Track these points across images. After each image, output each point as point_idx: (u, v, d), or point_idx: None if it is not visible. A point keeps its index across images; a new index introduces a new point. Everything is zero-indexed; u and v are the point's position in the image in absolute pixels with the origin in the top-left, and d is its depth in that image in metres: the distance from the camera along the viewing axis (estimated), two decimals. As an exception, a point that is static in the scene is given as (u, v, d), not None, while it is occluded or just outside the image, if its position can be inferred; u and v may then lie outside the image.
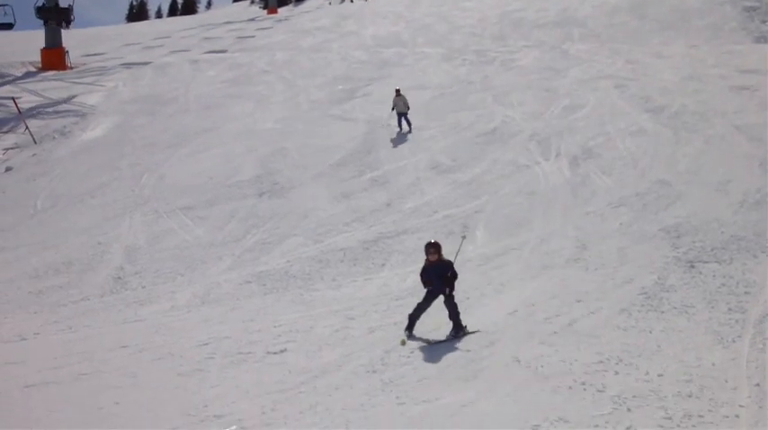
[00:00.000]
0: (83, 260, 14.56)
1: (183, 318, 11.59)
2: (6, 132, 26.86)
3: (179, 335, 10.70)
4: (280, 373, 9.13)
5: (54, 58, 37.50)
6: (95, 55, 41.35)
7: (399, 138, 21.75)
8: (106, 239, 15.59)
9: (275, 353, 9.79)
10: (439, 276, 9.95)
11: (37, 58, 38.06)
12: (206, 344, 10.22)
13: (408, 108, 22.58)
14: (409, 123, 22.48)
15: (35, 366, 10.02)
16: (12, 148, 25.05)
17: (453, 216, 15.48)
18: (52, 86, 32.48)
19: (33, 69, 37.10)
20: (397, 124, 22.62)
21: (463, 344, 9.55)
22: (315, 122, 24.63)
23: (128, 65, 37.27)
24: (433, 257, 10.02)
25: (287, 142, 22.28)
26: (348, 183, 18.39)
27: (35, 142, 25.05)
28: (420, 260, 13.28)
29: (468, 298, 11.19)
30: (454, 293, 9.98)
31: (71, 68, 37.11)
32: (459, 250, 10.43)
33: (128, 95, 30.52)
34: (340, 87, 29.77)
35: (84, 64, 38.20)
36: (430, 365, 8.91)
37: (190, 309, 11.99)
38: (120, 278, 13.62)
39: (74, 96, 30.56)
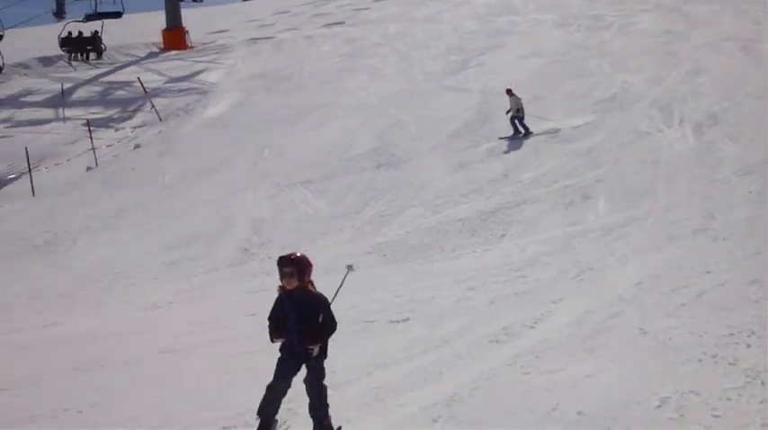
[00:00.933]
0: (211, 232, 15.19)
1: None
2: (134, 111, 28.11)
3: (305, 304, 11.01)
4: (403, 342, 9.30)
5: (175, 38, 38.77)
6: (215, 33, 42.44)
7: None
8: (232, 212, 16.19)
9: (398, 322, 9.98)
10: (299, 320, 6.24)
11: (158, 39, 39.40)
12: (331, 312, 10.49)
13: (522, 111, 19.75)
14: (525, 127, 19.72)
15: (170, 332, 10.58)
16: (139, 126, 26.24)
17: (573, 186, 15.27)
18: (174, 66, 33.65)
19: (156, 50, 38.48)
20: (512, 128, 19.72)
21: (586, 316, 9.43)
22: (429, 94, 24.65)
23: (246, 42, 38.11)
24: (291, 284, 6.22)
25: (402, 114, 22.40)
26: (464, 153, 18.38)
27: (160, 120, 26.12)
28: (540, 230, 13.29)
29: (590, 269, 11.07)
30: (325, 363, 6.39)
31: (191, 48, 38.28)
32: (341, 285, 6.85)
33: (247, 72, 31.30)
34: (453, 58, 29.63)
35: (204, 43, 39.32)
36: (553, 336, 8.87)
37: (314, 279, 12.30)
38: (246, 249, 14.15)
39: (195, 75, 31.59)
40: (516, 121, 19.84)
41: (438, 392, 7.71)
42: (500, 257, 12.32)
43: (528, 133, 19.46)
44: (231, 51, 35.98)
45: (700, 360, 7.80)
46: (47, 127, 28.05)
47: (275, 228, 15.10)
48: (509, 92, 20.14)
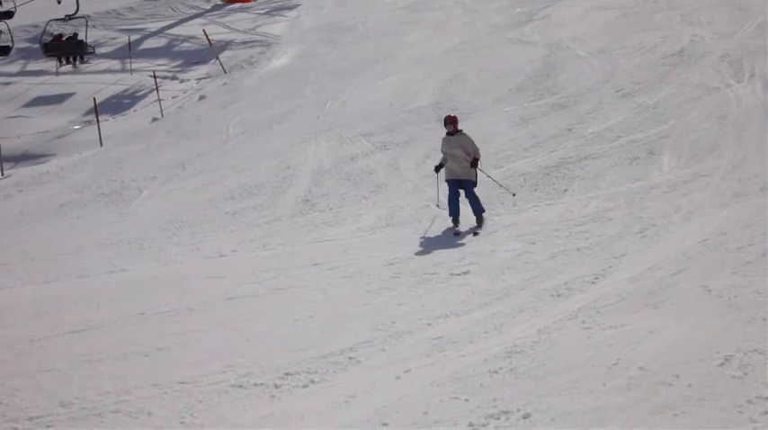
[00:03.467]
0: (273, 183, 15.38)
1: (369, 238, 12.07)
2: (198, 63, 28.37)
3: (366, 254, 11.18)
4: (464, 294, 9.37)
5: (239, -10, 38.76)
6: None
7: (579, 64, 21.00)
8: (294, 163, 16.34)
9: (459, 274, 10.04)
10: None
11: (223, -10, 39.49)
12: (392, 264, 10.64)
13: (474, 165, 12.04)
14: (475, 205, 12.03)
15: (235, 280, 10.83)
16: (204, 78, 26.51)
17: (638, 141, 15.00)
18: (239, 18, 33.73)
19: (220, 2, 38.56)
20: (443, 205, 12.35)
21: (649, 272, 9.35)
22: (492, 47, 24.31)
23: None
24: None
25: (465, 67, 22.17)
26: (527, 107, 18.16)
27: (225, 72, 26.34)
28: (603, 185, 13.14)
29: (654, 225, 10.93)
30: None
31: (255, 0, 38.29)
32: None
33: (309, 25, 31.27)
34: (518, 10, 29.10)
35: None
36: (616, 291, 8.83)
37: (375, 231, 12.46)
38: (308, 200, 14.31)
39: (259, 27, 31.67)
40: (457, 191, 12.09)
41: (498, 344, 7.77)
42: (562, 212, 12.23)
43: (478, 228, 11.89)
44: (295, 4, 35.92)
45: (765, 319, 7.69)
46: (113, 78, 28.54)
47: (336, 180, 15.22)
48: (449, 125, 12.24)
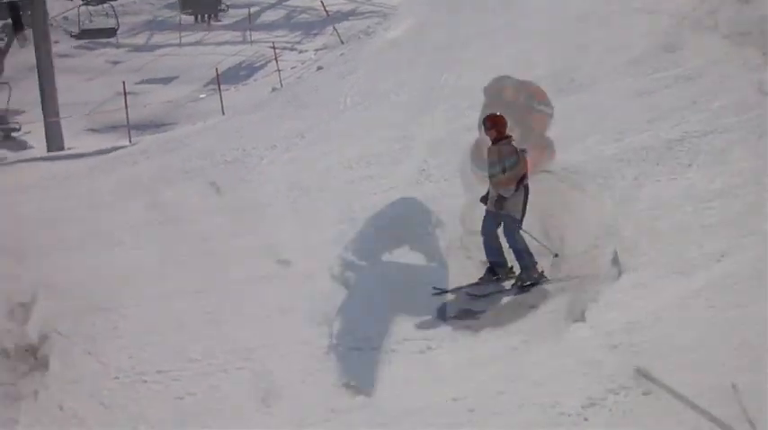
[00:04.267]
0: (390, 153, 15.47)
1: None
2: (316, 34, 28.77)
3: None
4: (591, 267, 9.25)
5: (356, -40, 38.94)
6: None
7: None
8: (410, 134, 16.37)
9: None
10: None
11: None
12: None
13: (497, 206, 9.16)
14: (518, 253, 8.96)
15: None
16: (321, 49, 26.87)
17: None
18: (356, -12, 33.97)
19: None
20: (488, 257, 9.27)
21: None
22: (614, 16, 23.59)
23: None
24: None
25: (584, 38, 21.58)
26: (650, 79, 17.54)
27: (342, 42, 26.59)
28: (729, 160, 12.64)
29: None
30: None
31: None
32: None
33: (426, -5, 31.14)
34: (642, -22, 28.15)
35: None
36: (743, 271, 8.51)
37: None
38: (423, 170, 14.37)
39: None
40: (494, 227, 9.23)
41: (617, 319, 7.66)
42: (686, 188, 11.84)
43: (521, 283, 8.88)
44: (411, -26, 35.87)
45: None
46: (234, 49, 29.28)
47: (452, 150, 15.16)
48: (493, 132, 9.29)
